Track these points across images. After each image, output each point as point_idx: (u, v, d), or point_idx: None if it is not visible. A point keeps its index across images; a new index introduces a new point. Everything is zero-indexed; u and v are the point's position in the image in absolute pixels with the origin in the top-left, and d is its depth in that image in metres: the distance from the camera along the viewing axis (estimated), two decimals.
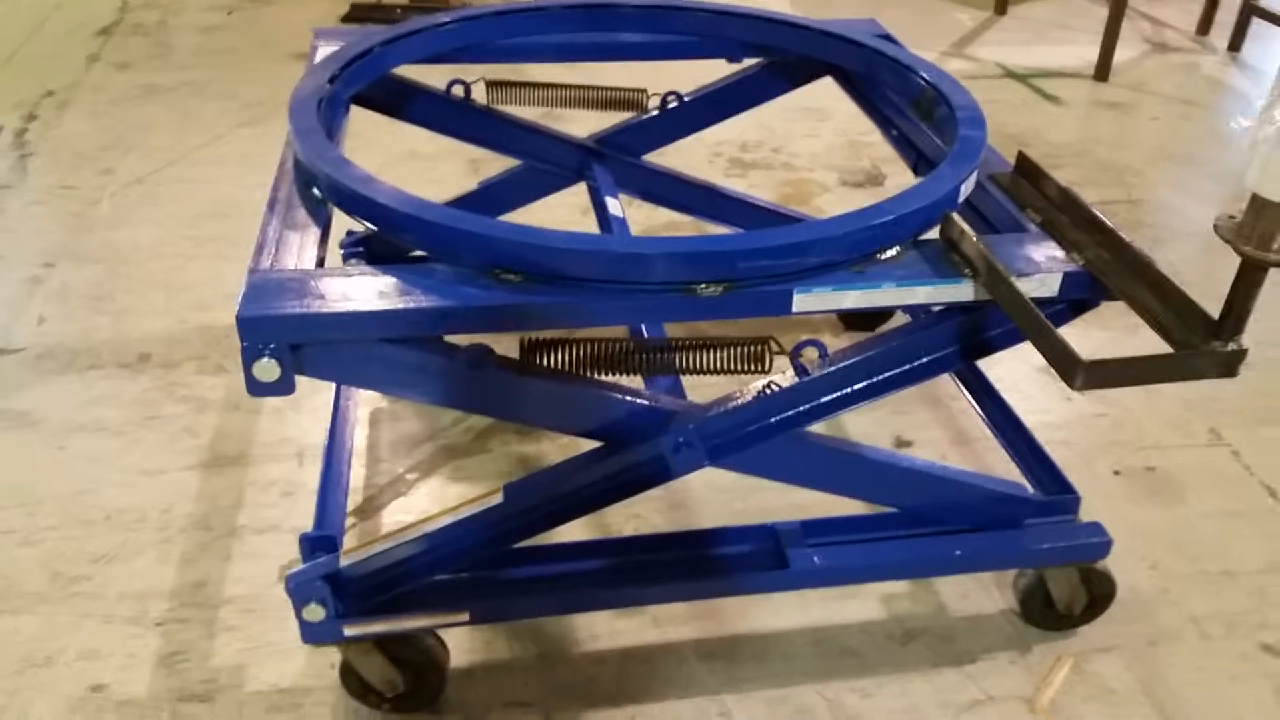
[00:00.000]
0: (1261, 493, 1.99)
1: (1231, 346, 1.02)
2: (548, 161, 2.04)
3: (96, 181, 2.99)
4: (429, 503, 1.90)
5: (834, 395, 1.33)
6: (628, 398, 1.31)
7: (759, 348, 1.28)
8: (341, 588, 1.37)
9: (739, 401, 1.32)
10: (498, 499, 1.35)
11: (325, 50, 1.76)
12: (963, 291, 1.22)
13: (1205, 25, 4.48)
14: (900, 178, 3.17)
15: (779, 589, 1.52)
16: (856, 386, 1.33)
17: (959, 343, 1.32)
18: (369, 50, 1.66)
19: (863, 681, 1.59)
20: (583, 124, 2.19)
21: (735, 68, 2.05)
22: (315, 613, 1.35)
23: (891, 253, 1.25)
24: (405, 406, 2.12)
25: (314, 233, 1.29)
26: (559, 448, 2.04)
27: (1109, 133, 3.60)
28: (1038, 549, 1.53)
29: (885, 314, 2.24)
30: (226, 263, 2.61)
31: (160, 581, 1.73)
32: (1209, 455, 2.08)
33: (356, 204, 1.26)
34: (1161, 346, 1.09)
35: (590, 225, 2.03)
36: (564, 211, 2.39)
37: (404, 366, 1.21)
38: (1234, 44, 4.33)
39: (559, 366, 1.25)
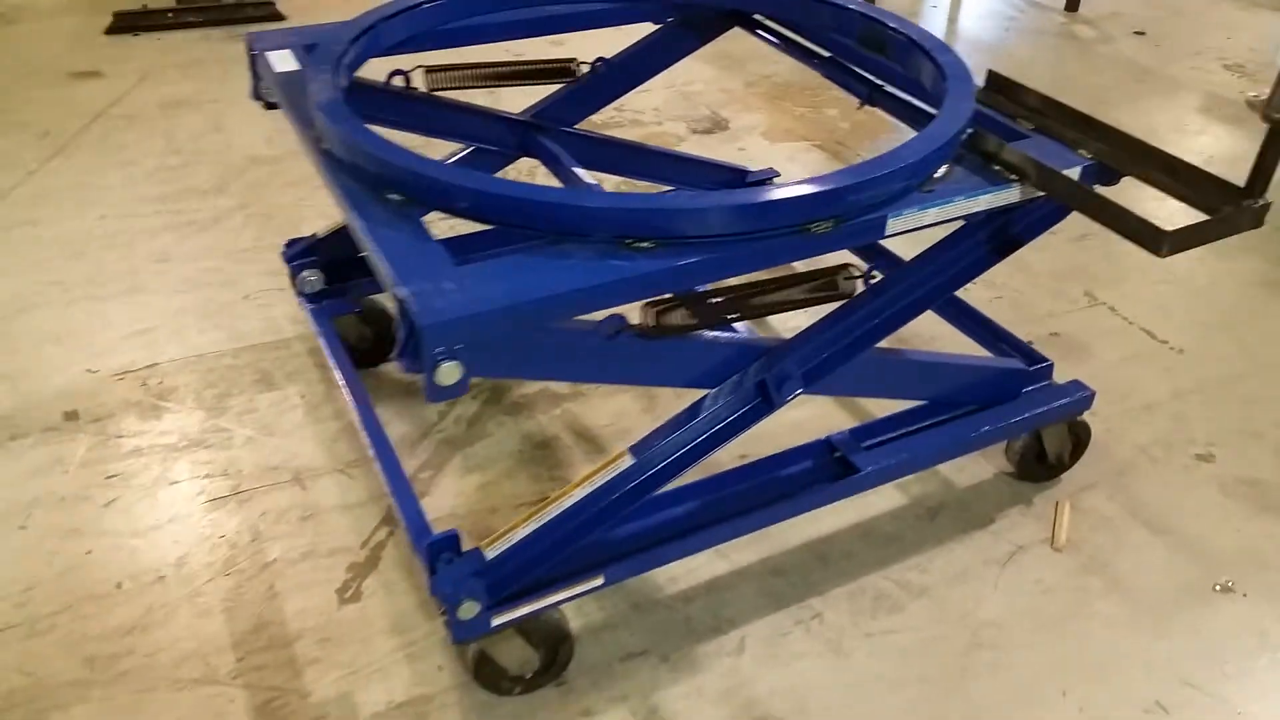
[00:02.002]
0: (1144, 337, 2.37)
1: (1261, 203, 1.27)
2: (490, 142, 2.05)
3: None
4: (455, 498, 1.90)
5: (901, 306, 1.49)
6: (734, 344, 1.41)
7: (836, 277, 1.41)
8: (486, 580, 1.38)
9: (827, 326, 1.45)
10: (628, 461, 1.41)
11: (279, 55, 1.70)
12: (1011, 195, 1.40)
13: None
14: (739, 120, 3.37)
15: (855, 492, 1.67)
16: (918, 296, 1.49)
17: (993, 242, 1.52)
18: (345, 51, 1.61)
19: (916, 559, 1.79)
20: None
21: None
22: (471, 609, 1.37)
23: (942, 171, 1.41)
24: (386, 410, 2.08)
25: (422, 233, 1.27)
26: (554, 419, 2.09)
27: None
28: (1042, 411, 1.77)
29: None
30: (107, 303, 2.41)
31: (213, 635, 1.64)
32: (1093, 315, 2.44)
33: (467, 200, 1.26)
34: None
35: None
36: None
37: (557, 348, 1.25)
38: None
39: (684, 325, 1.32)
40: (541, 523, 1.39)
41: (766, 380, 1.44)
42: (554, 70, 2.04)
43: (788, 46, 2.04)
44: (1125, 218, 1.26)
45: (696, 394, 1.50)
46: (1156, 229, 1.23)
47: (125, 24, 3.78)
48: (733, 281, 1.33)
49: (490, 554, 1.38)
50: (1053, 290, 2.52)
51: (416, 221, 1.29)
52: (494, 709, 1.53)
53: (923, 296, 1.51)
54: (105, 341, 2.28)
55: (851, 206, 1.29)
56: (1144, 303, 2.47)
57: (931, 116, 1.60)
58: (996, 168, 1.42)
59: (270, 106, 1.79)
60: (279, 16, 3.97)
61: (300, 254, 2.02)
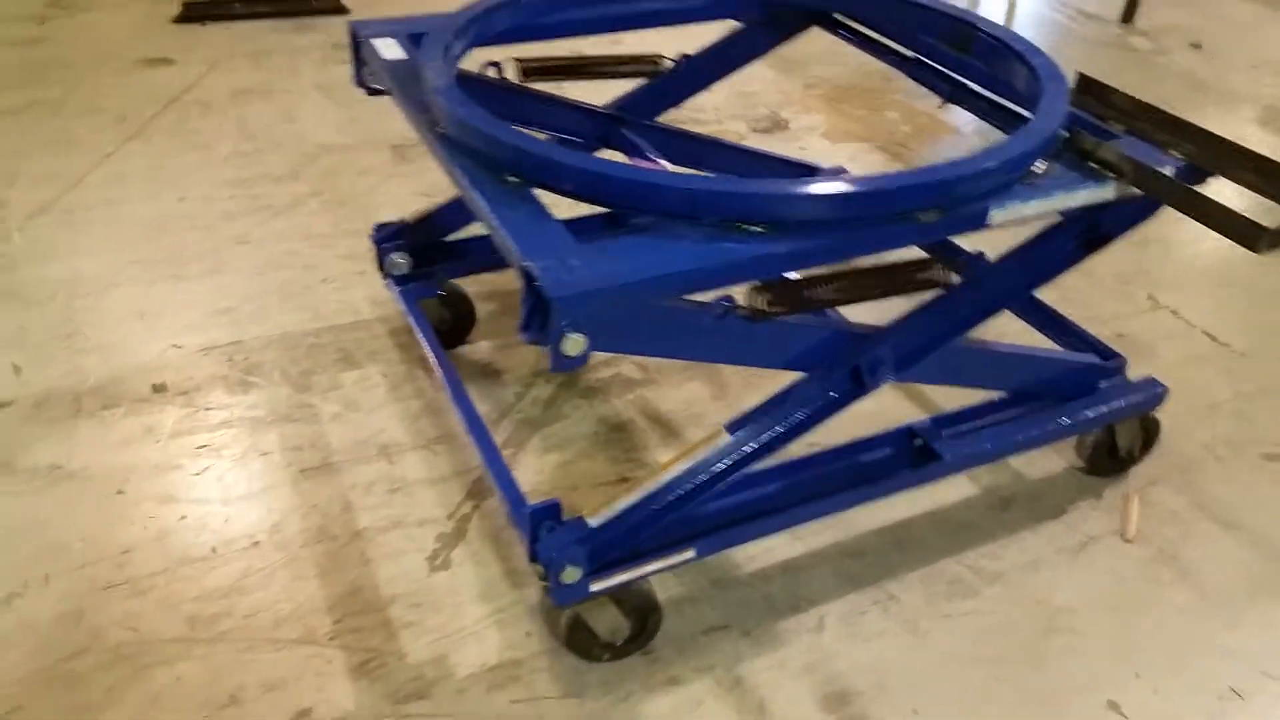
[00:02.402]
0: (1205, 340, 2.40)
1: None
2: (574, 133, 2.10)
3: None
4: (536, 475, 1.96)
5: (994, 297, 1.53)
6: (830, 328, 1.45)
7: (931, 267, 1.45)
8: (587, 548, 1.44)
9: (920, 315, 1.50)
10: (725, 439, 1.46)
11: (384, 42, 1.76)
12: (1108, 192, 1.45)
13: None
14: (799, 120, 3.42)
15: (936, 479, 1.72)
16: (1009, 287, 1.54)
17: (1083, 238, 1.56)
18: (453, 41, 1.67)
19: (989, 546, 1.83)
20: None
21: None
22: (573, 575, 1.42)
23: (1041, 166, 1.45)
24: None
25: (543, 213, 1.31)
26: (628, 404, 2.14)
27: None
28: (1120, 405, 1.81)
29: None
30: (189, 282, 2.48)
31: (310, 598, 1.70)
32: (1156, 318, 2.47)
33: (582, 182, 1.31)
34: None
35: None
36: None
37: (669, 326, 1.30)
38: None
39: (789, 309, 1.37)
40: (643, 494, 1.44)
41: (860, 365, 1.48)
42: (640, 65, 2.09)
43: (868, 45, 2.08)
44: (1222, 214, 1.30)
45: (770, 382, 1.55)
46: (1256, 225, 1.27)
47: (194, 13, 3.86)
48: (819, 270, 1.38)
49: (593, 523, 1.44)
50: (1117, 293, 2.55)
51: (536, 201, 1.35)
52: (584, 674, 1.58)
53: (1014, 288, 1.56)
54: (189, 319, 2.35)
55: (958, 196, 1.34)
56: (1205, 307, 2.51)
57: (1019, 116, 1.66)
58: (1093, 165, 1.46)
59: (373, 93, 1.85)
60: (344, 9, 4.05)
61: (389, 237, 2.08)
